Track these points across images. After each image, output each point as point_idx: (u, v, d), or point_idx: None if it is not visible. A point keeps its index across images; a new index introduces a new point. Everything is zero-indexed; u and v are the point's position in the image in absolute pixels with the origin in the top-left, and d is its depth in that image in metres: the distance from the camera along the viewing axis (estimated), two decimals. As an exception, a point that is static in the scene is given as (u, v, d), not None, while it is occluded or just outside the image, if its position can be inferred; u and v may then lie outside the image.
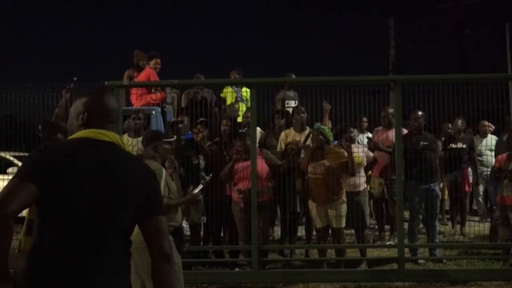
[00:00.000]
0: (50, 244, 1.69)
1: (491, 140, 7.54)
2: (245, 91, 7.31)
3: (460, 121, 7.01)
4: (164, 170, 3.67)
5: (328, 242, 5.49)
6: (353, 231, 5.78)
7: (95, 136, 1.83)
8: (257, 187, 5.02)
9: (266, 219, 5.31)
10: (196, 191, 3.92)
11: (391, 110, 6.12)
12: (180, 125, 5.85)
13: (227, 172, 5.23)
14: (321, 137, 5.28)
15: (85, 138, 1.83)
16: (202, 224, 5.70)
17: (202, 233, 5.78)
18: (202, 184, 4.13)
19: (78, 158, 1.76)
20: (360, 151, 5.63)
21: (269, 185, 5.33)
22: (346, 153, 5.23)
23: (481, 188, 7.78)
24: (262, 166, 5.18)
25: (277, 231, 6.10)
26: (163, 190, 3.53)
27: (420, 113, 5.75)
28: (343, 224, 5.28)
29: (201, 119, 6.00)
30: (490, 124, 7.57)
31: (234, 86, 7.17)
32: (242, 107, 7.14)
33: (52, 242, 1.69)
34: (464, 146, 6.98)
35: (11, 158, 7.60)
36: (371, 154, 5.85)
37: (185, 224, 5.69)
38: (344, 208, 5.25)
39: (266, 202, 5.24)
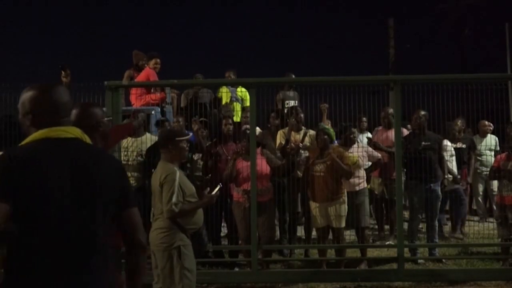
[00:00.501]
0: (28, 254, 1.62)
1: (490, 140, 7.54)
2: (240, 91, 7.31)
3: (460, 121, 7.02)
4: (177, 174, 3.58)
5: (328, 242, 5.49)
6: (353, 231, 5.77)
7: (56, 135, 1.72)
8: (259, 187, 5.04)
9: (269, 219, 5.31)
10: (213, 192, 3.83)
11: (391, 110, 6.12)
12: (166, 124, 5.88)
13: (230, 172, 5.23)
14: (325, 137, 5.30)
15: (46, 139, 1.71)
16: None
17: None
18: (220, 185, 4.01)
19: (48, 164, 1.66)
20: (360, 151, 5.64)
21: (270, 185, 5.33)
22: (346, 153, 5.25)
23: (480, 188, 7.79)
24: (263, 166, 5.19)
25: (277, 231, 6.10)
26: (177, 195, 3.49)
27: (422, 112, 5.76)
28: (343, 224, 5.29)
29: (201, 119, 6.01)
30: (489, 123, 7.57)
31: (229, 86, 7.16)
32: (237, 107, 7.14)
33: (29, 252, 1.63)
34: (464, 146, 6.98)
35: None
36: (377, 154, 5.85)
37: None
38: (344, 208, 5.26)
39: (267, 202, 5.25)
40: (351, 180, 5.45)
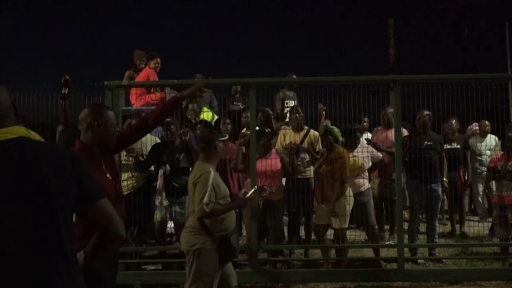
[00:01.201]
0: None
1: (490, 140, 7.54)
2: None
3: (454, 121, 7.02)
4: (212, 174, 3.58)
5: (329, 242, 5.49)
6: (356, 230, 5.77)
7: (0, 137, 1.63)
8: (270, 186, 5.10)
9: (278, 218, 5.30)
10: (248, 194, 3.82)
11: (390, 110, 6.12)
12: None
13: (236, 163, 5.24)
14: (330, 137, 5.31)
15: None
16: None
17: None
18: (255, 187, 4.01)
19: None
20: (364, 151, 5.62)
21: (281, 185, 5.33)
22: (347, 160, 5.25)
23: (480, 188, 7.78)
24: (277, 165, 5.22)
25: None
26: (209, 195, 3.48)
27: (426, 112, 5.76)
28: (344, 225, 5.27)
29: (201, 119, 6.00)
30: (487, 123, 7.58)
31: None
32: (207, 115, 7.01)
33: None
34: (458, 146, 6.99)
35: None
36: (379, 155, 5.86)
37: (170, 224, 5.70)
38: (347, 208, 5.24)
39: (276, 201, 5.25)
40: (356, 181, 5.47)
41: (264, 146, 5.33)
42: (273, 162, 5.25)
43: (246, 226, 5.26)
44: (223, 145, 3.79)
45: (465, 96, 5.35)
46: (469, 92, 5.33)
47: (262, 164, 5.23)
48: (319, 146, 5.73)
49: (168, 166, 5.33)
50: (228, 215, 3.64)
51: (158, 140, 5.69)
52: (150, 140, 5.51)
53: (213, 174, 3.58)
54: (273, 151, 5.35)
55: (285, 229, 5.91)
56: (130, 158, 5.45)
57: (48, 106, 5.45)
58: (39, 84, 5.62)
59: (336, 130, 5.45)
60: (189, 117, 6.56)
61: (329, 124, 6.05)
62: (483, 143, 7.50)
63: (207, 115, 6.94)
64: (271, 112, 5.98)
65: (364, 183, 5.65)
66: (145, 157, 5.47)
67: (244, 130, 6.18)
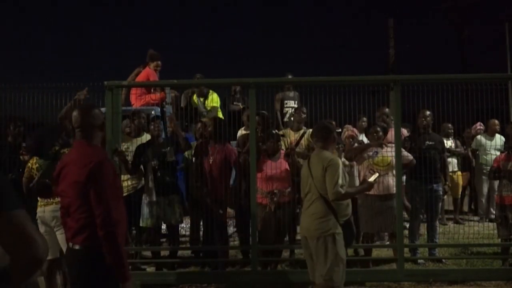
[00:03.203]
0: None
1: (500, 139, 7.53)
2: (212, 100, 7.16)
3: (449, 124, 7.05)
4: (340, 161, 3.77)
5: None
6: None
7: None
8: (279, 188, 5.15)
9: (289, 219, 5.31)
10: (372, 179, 3.96)
11: (386, 110, 6.10)
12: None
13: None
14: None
15: None
16: (179, 225, 5.68)
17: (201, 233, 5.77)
18: (378, 173, 4.30)
19: None
20: (389, 151, 5.52)
21: (290, 186, 5.33)
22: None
23: (485, 188, 7.78)
24: (285, 167, 5.21)
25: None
26: (342, 178, 3.67)
27: (428, 112, 5.75)
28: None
29: (202, 119, 6.00)
30: (497, 122, 7.58)
31: (199, 98, 7.09)
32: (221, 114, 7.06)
33: None
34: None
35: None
36: (409, 156, 5.50)
37: (163, 226, 5.67)
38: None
39: (286, 203, 5.25)
40: (385, 180, 5.32)
41: (272, 149, 5.30)
42: (282, 164, 5.21)
43: (261, 229, 5.21)
44: (337, 135, 4.06)
45: (465, 96, 5.35)
46: (469, 92, 5.33)
47: (271, 167, 5.21)
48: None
49: (156, 161, 5.29)
50: (349, 204, 3.82)
51: (149, 137, 5.62)
52: (136, 142, 5.53)
53: (340, 161, 3.77)
54: (282, 153, 5.33)
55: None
56: (130, 159, 5.42)
57: (48, 106, 5.45)
58: (39, 84, 5.61)
59: None
60: (203, 112, 6.56)
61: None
62: (492, 142, 7.50)
63: (221, 114, 7.04)
64: (266, 113, 5.96)
65: (393, 184, 5.28)
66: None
67: (240, 131, 6.16)
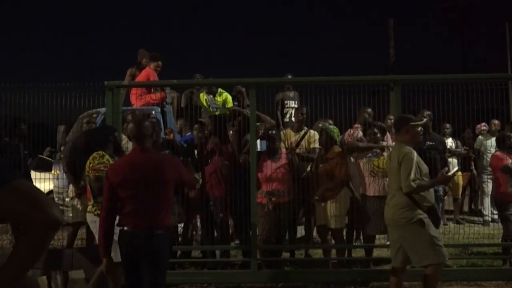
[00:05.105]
0: None
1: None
2: (219, 94, 7.13)
3: (448, 125, 7.05)
4: (415, 153, 3.86)
5: (329, 242, 5.47)
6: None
7: None
8: (279, 188, 5.14)
9: (289, 219, 5.31)
10: (450, 173, 4.00)
11: (369, 110, 6.08)
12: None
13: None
14: (324, 138, 5.29)
15: None
16: (179, 226, 5.68)
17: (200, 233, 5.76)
18: (457, 168, 4.49)
19: None
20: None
21: (290, 187, 5.33)
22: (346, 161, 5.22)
23: (489, 188, 7.78)
24: (285, 167, 5.21)
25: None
26: (414, 172, 3.76)
27: (427, 112, 5.75)
28: (340, 225, 5.24)
29: (200, 119, 5.99)
30: (497, 122, 7.58)
31: (209, 95, 7.07)
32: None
33: None
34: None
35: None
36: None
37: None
38: (342, 208, 5.21)
39: (286, 203, 5.24)
40: (387, 182, 5.33)
41: (271, 149, 5.29)
42: (282, 164, 5.21)
43: (262, 228, 5.21)
44: (418, 129, 4.07)
45: (465, 96, 5.35)
46: (469, 92, 5.33)
47: (271, 167, 5.20)
48: (314, 145, 5.70)
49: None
50: (430, 191, 3.91)
51: None
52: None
53: (415, 153, 3.87)
54: (283, 152, 5.33)
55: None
56: None
57: (48, 106, 5.44)
58: (39, 84, 5.61)
59: (335, 131, 5.44)
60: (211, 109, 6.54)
61: (327, 124, 6.05)
62: (493, 143, 7.51)
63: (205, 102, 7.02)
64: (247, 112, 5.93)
65: None
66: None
67: (231, 132, 6.10)
